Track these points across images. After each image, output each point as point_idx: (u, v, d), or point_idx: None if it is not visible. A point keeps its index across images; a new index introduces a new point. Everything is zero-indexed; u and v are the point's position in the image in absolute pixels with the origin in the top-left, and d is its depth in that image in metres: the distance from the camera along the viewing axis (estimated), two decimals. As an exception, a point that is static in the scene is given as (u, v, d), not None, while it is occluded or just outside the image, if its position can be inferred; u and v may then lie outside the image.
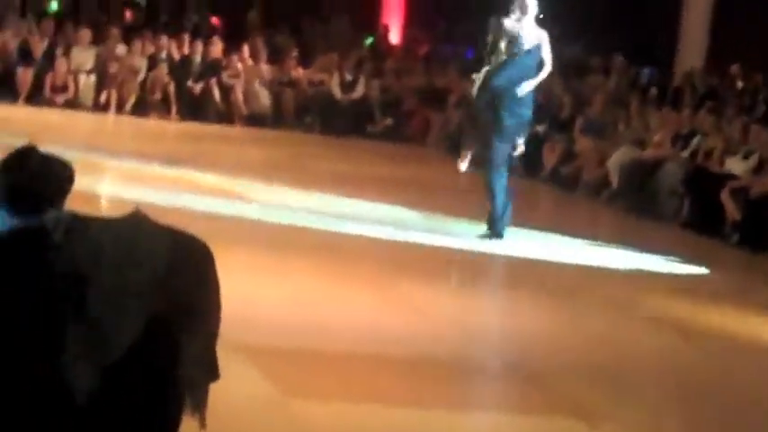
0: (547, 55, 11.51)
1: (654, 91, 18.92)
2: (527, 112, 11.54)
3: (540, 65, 11.51)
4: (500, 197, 11.35)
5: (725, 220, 13.45)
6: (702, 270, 11.59)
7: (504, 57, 11.37)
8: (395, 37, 24.18)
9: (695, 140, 15.18)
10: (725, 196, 13.42)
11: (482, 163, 11.70)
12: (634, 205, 15.04)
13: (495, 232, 11.42)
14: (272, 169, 14.94)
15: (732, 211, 13.32)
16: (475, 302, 9.32)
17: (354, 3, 23.75)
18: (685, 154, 15.12)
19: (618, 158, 15.76)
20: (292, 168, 15.37)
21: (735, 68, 19.71)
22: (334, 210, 12.32)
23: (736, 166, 14.17)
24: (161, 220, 4.02)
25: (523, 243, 11.55)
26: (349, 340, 7.53)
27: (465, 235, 11.59)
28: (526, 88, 11.37)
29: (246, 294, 7.74)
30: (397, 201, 13.18)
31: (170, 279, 3.83)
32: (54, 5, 21.97)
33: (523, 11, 11.35)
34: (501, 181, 11.39)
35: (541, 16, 11.60)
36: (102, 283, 3.73)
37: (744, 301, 10.16)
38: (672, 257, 11.90)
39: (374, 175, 15.84)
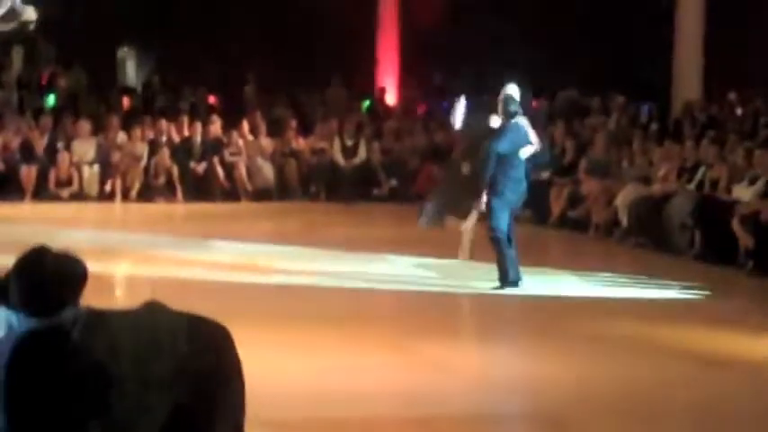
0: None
1: (654, 126, 18.94)
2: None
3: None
4: (504, 249, 11.44)
5: (738, 249, 13.34)
6: (720, 300, 11.59)
7: None
8: (391, 98, 24.24)
9: (700, 172, 15.26)
10: (736, 224, 13.32)
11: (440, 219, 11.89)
12: (646, 241, 15.08)
13: (507, 283, 11.44)
14: (283, 241, 14.97)
15: (744, 238, 13.21)
16: (498, 354, 9.30)
17: (349, 68, 23.73)
18: (692, 186, 15.17)
19: (625, 197, 15.80)
20: (302, 238, 15.42)
21: (733, 96, 19.97)
22: (349, 274, 12.33)
23: (743, 192, 14.16)
24: (179, 301, 4.01)
25: (540, 287, 11.60)
26: (378, 406, 7.49)
27: (482, 286, 11.60)
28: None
29: (271, 369, 7.75)
30: (410, 259, 13.23)
31: (190, 367, 3.79)
32: (51, 100, 22.16)
33: (507, 115, 11.56)
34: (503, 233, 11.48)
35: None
36: (123, 378, 3.70)
37: (765, 329, 10.09)
38: (688, 289, 11.92)
39: (384, 236, 15.97)
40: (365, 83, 24.46)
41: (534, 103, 21.23)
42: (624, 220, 15.70)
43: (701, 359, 8.89)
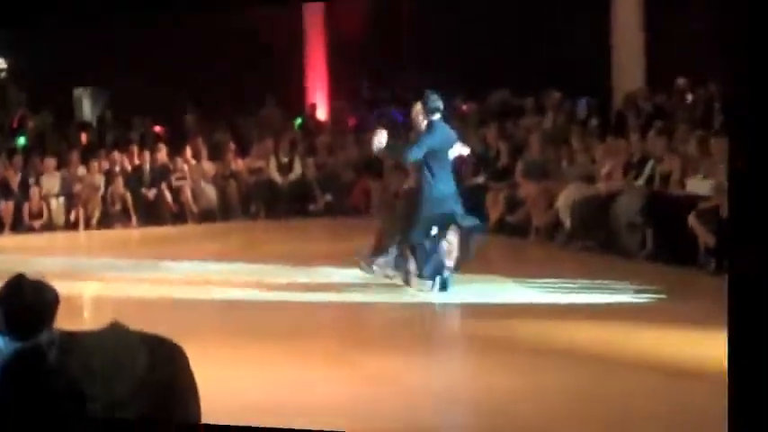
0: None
1: (594, 121, 18.40)
2: None
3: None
4: (420, 251, 11.58)
5: (697, 248, 12.57)
6: (677, 302, 11.16)
7: None
8: (323, 113, 24.62)
9: (648, 166, 14.64)
10: (693, 221, 12.67)
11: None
12: (592, 244, 14.68)
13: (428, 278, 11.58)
14: (227, 258, 15.67)
15: (704, 235, 12.45)
16: (441, 365, 9.26)
17: (280, 87, 24.41)
18: (640, 182, 14.59)
19: (567, 198, 15.40)
20: (245, 255, 16.05)
21: (681, 82, 18.47)
22: (290, 289, 12.53)
23: (699, 186, 13.47)
24: (137, 320, 4.64)
25: (482, 295, 11.54)
26: (321, 420, 7.34)
27: (423, 296, 11.58)
28: None
29: (221, 382, 7.75)
30: (348, 272, 12.99)
31: (149, 381, 4.28)
32: (21, 140, 23.91)
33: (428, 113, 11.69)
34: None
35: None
36: (94, 397, 4.15)
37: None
38: (642, 293, 11.57)
39: (320, 251, 16.27)
40: (297, 100, 24.98)
41: (465, 107, 21.03)
42: (567, 223, 15.30)
43: (660, 366, 8.48)
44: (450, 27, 22.66)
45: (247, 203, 21.59)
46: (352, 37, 24.03)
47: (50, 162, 21.78)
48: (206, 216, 21.24)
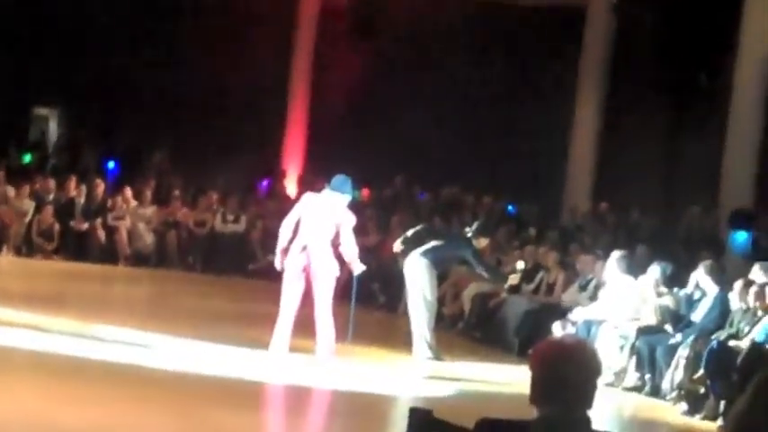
0: None
1: (512, 227, 19.27)
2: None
3: None
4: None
5: None
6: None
7: None
8: (292, 183, 24.54)
9: (539, 275, 15.83)
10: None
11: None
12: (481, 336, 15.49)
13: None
14: (128, 307, 15.68)
15: None
16: None
17: (256, 145, 24.11)
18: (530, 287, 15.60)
19: (472, 290, 16.19)
20: (145, 306, 16.13)
21: (604, 206, 20.48)
22: (169, 345, 12.52)
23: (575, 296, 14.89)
24: None
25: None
26: None
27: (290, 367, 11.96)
28: None
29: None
30: (226, 334, 13.33)
31: None
32: None
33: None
34: None
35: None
36: None
37: None
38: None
39: (222, 310, 16.14)
40: (269, 162, 24.91)
41: (365, 192, 21.68)
42: (467, 311, 16.12)
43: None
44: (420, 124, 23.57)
45: (185, 253, 21.06)
46: (334, 117, 24.72)
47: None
48: (140, 260, 20.59)
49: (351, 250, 12.28)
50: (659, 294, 13.26)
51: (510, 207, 21.67)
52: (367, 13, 23.13)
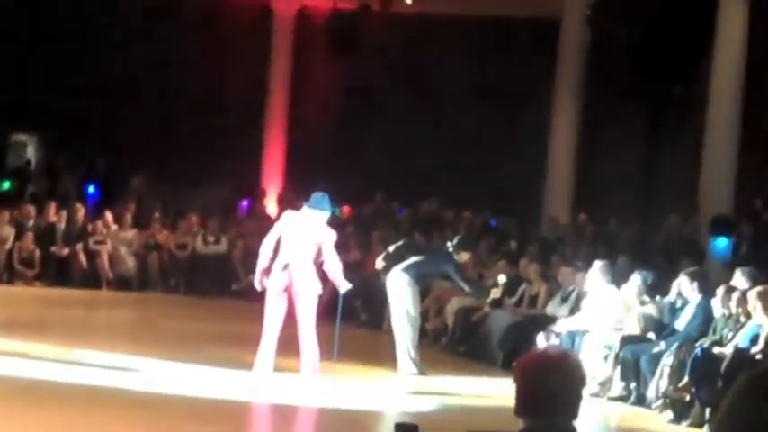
0: None
1: (491, 241, 19.31)
2: None
3: None
4: None
5: None
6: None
7: None
8: (272, 202, 24.52)
9: (521, 287, 15.74)
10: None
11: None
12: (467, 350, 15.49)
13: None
14: (112, 331, 15.70)
15: None
16: None
17: (235, 166, 24.15)
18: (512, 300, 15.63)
19: (454, 305, 16.19)
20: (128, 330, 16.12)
21: (583, 217, 20.54)
22: (154, 368, 12.53)
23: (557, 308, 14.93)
24: None
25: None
26: None
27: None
28: None
29: None
30: (210, 356, 13.39)
31: None
32: None
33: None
34: None
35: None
36: None
37: None
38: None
39: (206, 332, 16.10)
40: (249, 182, 24.90)
41: (346, 209, 21.75)
42: (450, 325, 16.12)
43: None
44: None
45: (167, 276, 21.08)
46: (312, 136, 24.83)
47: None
48: (123, 284, 20.57)
49: (334, 267, 12.28)
50: (642, 303, 13.35)
51: (491, 221, 21.72)
52: (344, 30, 23.18)
